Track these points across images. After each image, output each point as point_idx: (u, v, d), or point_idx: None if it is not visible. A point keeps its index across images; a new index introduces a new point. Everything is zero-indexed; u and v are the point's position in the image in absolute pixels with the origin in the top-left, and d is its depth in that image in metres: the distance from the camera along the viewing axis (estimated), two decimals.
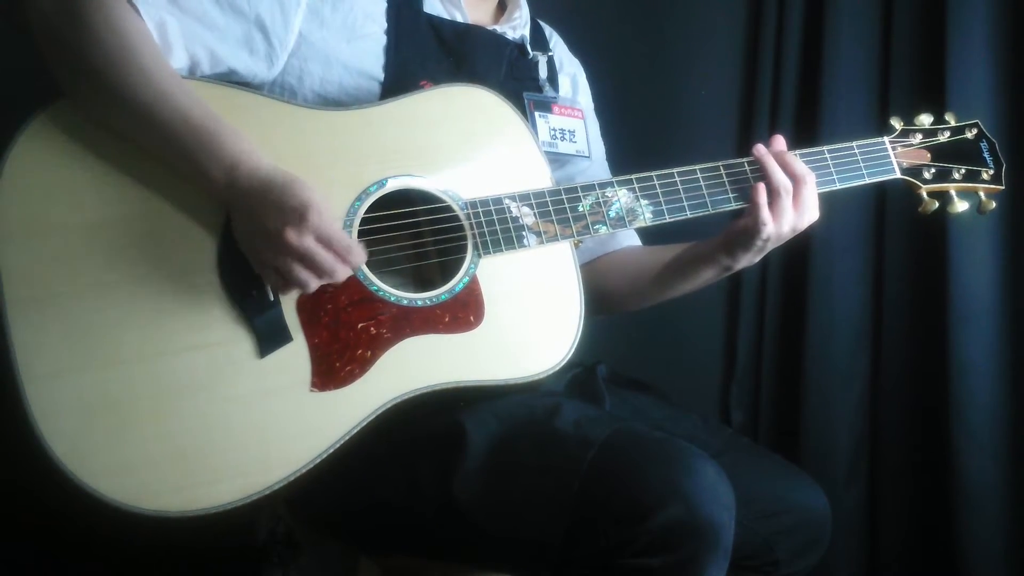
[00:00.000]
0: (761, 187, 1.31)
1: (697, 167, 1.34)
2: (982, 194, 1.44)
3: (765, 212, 1.30)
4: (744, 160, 1.36)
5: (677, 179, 1.33)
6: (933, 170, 1.43)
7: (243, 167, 1.10)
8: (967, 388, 1.91)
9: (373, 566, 1.38)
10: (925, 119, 1.45)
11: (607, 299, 1.53)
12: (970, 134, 1.45)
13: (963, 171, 1.43)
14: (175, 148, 1.11)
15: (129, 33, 1.11)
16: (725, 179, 1.35)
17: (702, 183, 1.34)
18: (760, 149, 1.33)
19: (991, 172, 1.44)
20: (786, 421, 2.19)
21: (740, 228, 1.34)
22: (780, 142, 1.37)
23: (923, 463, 2.03)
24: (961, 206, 1.43)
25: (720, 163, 1.35)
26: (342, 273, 1.11)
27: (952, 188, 1.43)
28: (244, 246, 1.12)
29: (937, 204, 1.43)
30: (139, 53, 1.11)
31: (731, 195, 1.35)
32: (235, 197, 1.10)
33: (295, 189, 1.08)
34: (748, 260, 1.38)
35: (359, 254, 1.11)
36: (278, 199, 1.08)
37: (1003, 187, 1.44)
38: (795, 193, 1.31)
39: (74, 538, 1.61)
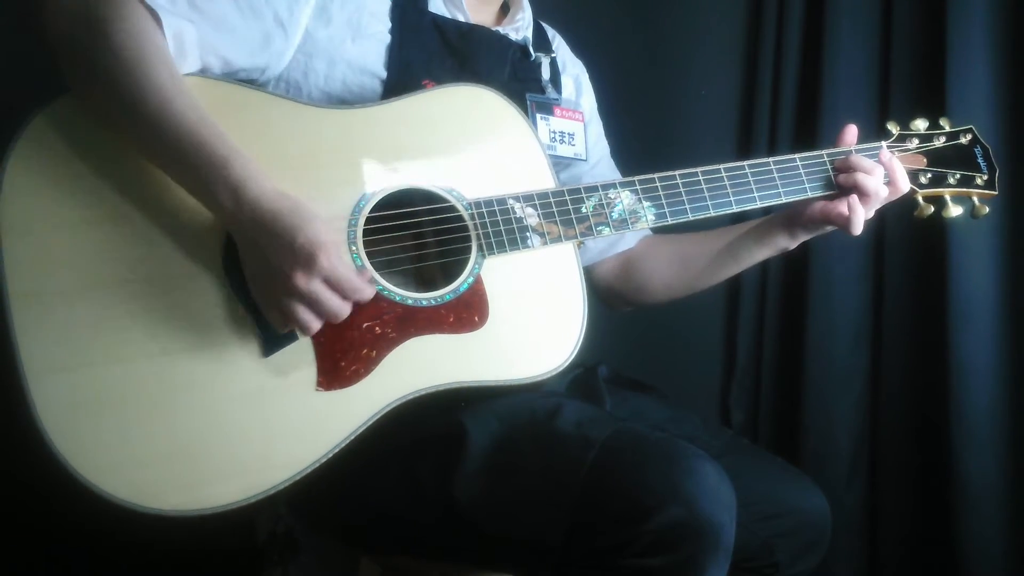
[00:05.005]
0: (843, 207, 1.36)
1: (699, 169, 1.35)
2: (975, 199, 1.45)
3: (858, 225, 1.36)
4: (745, 163, 1.37)
5: (679, 181, 1.34)
6: (929, 175, 1.44)
7: (249, 192, 1.08)
8: (967, 388, 1.91)
9: (373, 566, 1.38)
10: (921, 124, 1.46)
11: (646, 290, 1.57)
12: (964, 139, 1.46)
13: (958, 176, 1.44)
14: (183, 166, 1.10)
15: (148, 47, 1.10)
16: (726, 181, 1.35)
17: (703, 185, 1.35)
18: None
19: (985, 177, 1.44)
20: (786, 421, 2.19)
21: (818, 219, 1.39)
22: (852, 133, 1.41)
23: (923, 463, 2.03)
24: (955, 210, 1.43)
25: (721, 166, 1.36)
26: (346, 313, 1.10)
27: (947, 193, 1.44)
28: (250, 281, 1.11)
29: (932, 208, 1.43)
30: (156, 68, 1.10)
31: (732, 198, 1.35)
32: (241, 224, 1.09)
33: (303, 224, 1.07)
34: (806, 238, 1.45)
35: (368, 294, 1.11)
36: (287, 237, 1.06)
37: (996, 192, 1.45)
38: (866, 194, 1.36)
39: (77, 536, 1.61)
